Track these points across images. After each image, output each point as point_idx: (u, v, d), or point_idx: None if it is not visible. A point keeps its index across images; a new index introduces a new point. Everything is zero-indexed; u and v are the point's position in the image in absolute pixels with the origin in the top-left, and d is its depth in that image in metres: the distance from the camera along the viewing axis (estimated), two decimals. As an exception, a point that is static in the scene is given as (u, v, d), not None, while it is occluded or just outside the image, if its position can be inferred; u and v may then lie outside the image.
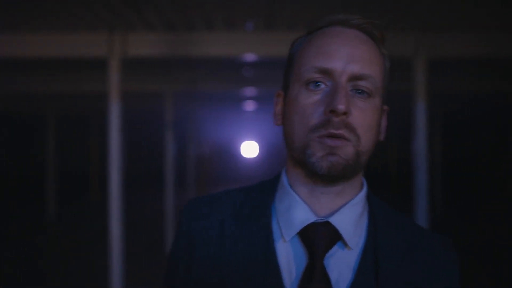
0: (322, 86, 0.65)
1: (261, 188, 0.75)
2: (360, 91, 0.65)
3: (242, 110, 11.99)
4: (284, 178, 0.72)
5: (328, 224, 0.66)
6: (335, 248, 0.67)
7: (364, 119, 0.65)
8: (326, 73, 0.65)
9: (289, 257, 0.67)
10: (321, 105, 0.64)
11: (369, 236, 0.69)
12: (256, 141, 17.67)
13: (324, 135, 0.63)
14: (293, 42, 0.74)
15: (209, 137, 15.34)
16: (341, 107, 0.61)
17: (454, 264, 0.72)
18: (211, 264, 0.69)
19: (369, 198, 0.73)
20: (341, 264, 0.67)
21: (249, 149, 17.87)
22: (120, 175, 4.01)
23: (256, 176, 17.10)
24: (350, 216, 0.68)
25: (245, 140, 17.61)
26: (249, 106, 10.88)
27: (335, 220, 0.67)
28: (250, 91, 7.94)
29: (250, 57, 4.56)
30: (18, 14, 3.63)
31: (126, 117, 4.34)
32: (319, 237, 0.66)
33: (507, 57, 4.20)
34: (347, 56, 0.65)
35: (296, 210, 0.68)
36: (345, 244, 0.67)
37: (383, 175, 12.48)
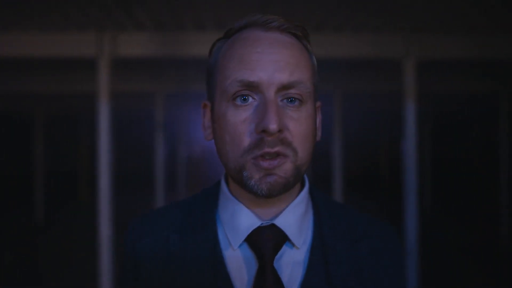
0: (250, 100, 0.61)
1: (203, 198, 0.73)
2: (291, 100, 0.61)
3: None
4: (224, 187, 0.70)
5: (273, 227, 0.66)
6: (283, 249, 0.66)
7: (299, 130, 0.61)
8: (252, 86, 0.60)
9: (239, 264, 0.66)
10: (252, 122, 0.60)
11: (315, 232, 0.69)
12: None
13: (259, 155, 0.60)
14: (211, 47, 0.69)
15: (201, 137, 15.31)
16: (273, 126, 0.57)
17: (398, 248, 0.73)
18: (159, 283, 0.66)
19: (312, 194, 0.72)
20: (291, 264, 0.66)
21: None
22: (110, 176, 3.97)
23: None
24: (294, 216, 0.67)
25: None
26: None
27: (279, 222, 0.66)
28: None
29: None
30: (6, 13, 3.58)
31: (117, 118, 4.30)
32: (266, 240, 0.65)
33: (496, 59, 4.24)
34: (272, 64, 0.60)
35: (240, 217, 0.66)
36: (292, 244, 0.67)
37: (373, 176, 12.55)
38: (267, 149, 0.59)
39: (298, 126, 0.61)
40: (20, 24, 3.87)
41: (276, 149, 0.59)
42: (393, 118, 10.74)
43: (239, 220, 0.67)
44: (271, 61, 0.60)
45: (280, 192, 0.62)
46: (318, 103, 0.71)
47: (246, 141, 0.60)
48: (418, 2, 3.37)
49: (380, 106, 9.38)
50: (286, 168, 0.61)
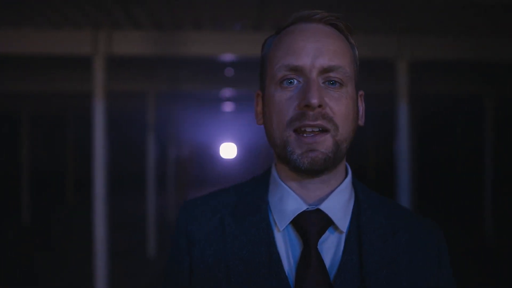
0: (295, 82, 0.67)
1: (253, 184, 0.77)
2: (332, 82, 0.67)
3: (222, 111, 11.97)
4: (274, 173, 0.75)
5: (319, 211, 0.69)
6: (327, 233, 0.70)
7: (339, 108, 0.67)
8: (297, 70, 0.67)
9: (286, 245, 0.70)
10: (295, 101, 0.66)
11: (353, 220, 0.72)
12: (235, 142, 17.66)
13: (300, 126, 0.65)
14: (263, 43, 0.76)
15: (190, 138, 15.24)
16: (314, 101, 0.63)
17: (440, 243, 0.74)
18: (215, 261, 0.70)
19: (354, 184, 0.76)
20: (333, 247, 0.70)
21: (228, 151, 17.84)
22: (105, 175, 3.94)
23: (235, 176, 17.06)
24: (338, 202, 0.70)
25: (224, 141, 17.57)
26: (229, 107, 10.87)
27: (325, 207, 0.69)
28: (230, 92, 7.94)
29: (232, 57, 4.56)
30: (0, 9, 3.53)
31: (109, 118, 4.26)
32: (311, 225, 0.68)
33: (487, 61, 4.34)
34: (314, 51, 0.67)
35: (287, 201, 0.70)
36: (335, 228, 0.70)
37: (362, 177, 12.62)
38: (308, 122, 0.65)
39: (339, 104, 0.67)
40: (13, 21, 3.81)
41: (317, 122, 0.65)
42: (381, 119, 10.88)
43: (286, 203, 0.70)
44: (313, 48, 0.67)
45: (320, 167, 0.66)
46: (361, 92, 0.75)
47: (289, 115, 0.66)
48: (411, 4, 3.43)
49: (370, 107, 9.45)
50: (326, 144, 0.66)
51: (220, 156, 17.84)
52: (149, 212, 6.57)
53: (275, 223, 0.71)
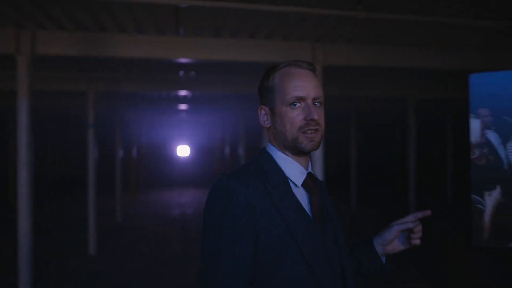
0: (298, 105, 1.15)
1: (263, 161, 1.17)
2: (317, 104, 1.17)
3: (175, 111, 12.00)
4: (279, 152, 1.19)
5: (311, 174, 1.20)
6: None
7: (322, 119, 1.17)
8: (301, 98, 1.15)
9: (302, 196, 1.16)
10: (301, 115, 1.14)
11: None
12: (188, 142, 17.69)
13: (307, 131, 1.13)
14: (268, 74, 1.20)
15: (141, 138, 15.14)
16: (316, 117, 1.14)
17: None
18: (273, 216, 1.07)
19: None
20: (322, 191, 1.22)
21: (182, 150, 17.84)
22: (30, 175, 3.97)
23: (190, 176, 17.09)
24: (312, 168, 1.25)
25: (176, 141, 17.56)
26: (183, 107, 10.92)
27: (312, 171, 1.23)
28: (183, 93, 8.05)
29: (187, 60, 4.68)
30: None
31: (48, 118, 4.27)
32: (310, 182, 1.18)
33: (395, 67, 4.69)
34: (310, 88, 1.16)
35: (297, 170, 1.18)
36: (318, 182, 1.23)
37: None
38: (312, 127, 1.14)
39: (321, 116, 1.18)
40: None
41: (316, 127, 1.15)
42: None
43: (297, 171, 1.18)
44: (309, 86, 1.16)
45: (315, 149, 1.17)
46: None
47: (299, 124, 1.15)
48: (321, 17, 3.68)
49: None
50: (318, 137, 1.17)
51: (174, 156, 17.81)
52: (89, 212, 6.57)
53: (294, 183, 1.16)
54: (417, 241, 1.27)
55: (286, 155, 1.19)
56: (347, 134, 10.92)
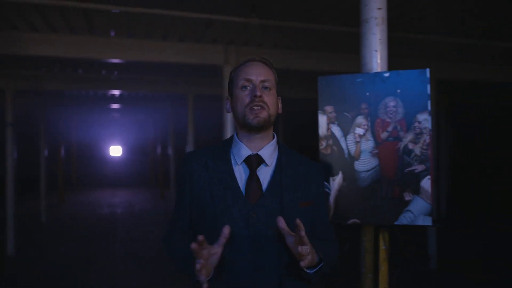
0: (248, 87, 1.34)
1: (223, 143, 1.43)
2: (265, 87, 1.34)
3: (106, 110, 11.82)
4: (235, 136, 1.41)
5: (257, 155, 1.36)
6: (262, 166, 1.36)
7: (269, 99, 1.33)
8: (249, 80, 1.34)
9: (241, 173, 1.35)
10: (249, 95, 1.32)
11: (278, 160, 1.39)
12: (121, 142, 17.40)
13: (252, 107, 1.30)
14: (230, 72, 1.43)
15: (71, 137, 14.71)
16: (258, 93, 1.31)
17: (322, 171, 1.47)
18: (203, 181, 1.36)
19: (278, 143, 1.43)
20: (265, 173, 1.36)
21: (115, 150, 17.52)
22: None
23: (123, 176, 16.78)
24: (267, 150, 1.37)
25: (109, 140, 17.22)
26: (115, 106, 10.80)
27: (260, 153, 1.37)
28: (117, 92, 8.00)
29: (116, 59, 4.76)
30: None
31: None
32: (253, 161, 1.35)
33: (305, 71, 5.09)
34: (258, 72, 1.35)
35: (242, 150, 1.36)
36: (266, 164, 1.37)
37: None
38: (256, 103, 1.31)
39: (269, 98, 1.34)
40: None
41: (260, 103, 1.31)
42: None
43: (241, 151, 1.37)
44: (257, 71, 1.35)
45: (261, 125, 1.32)
46: (279, 98, 1.42)
47: (246, 101, 1.33)
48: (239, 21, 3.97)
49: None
50: (264, 113, 1.32)
51: (107, 155, 17.45)
52: (8, 212, 6.42)
53: (236, 161, 1.37)
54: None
55: (242, 135, 1.37)
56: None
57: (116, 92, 8.01)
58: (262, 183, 1.35)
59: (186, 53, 4.47)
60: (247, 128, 1.34)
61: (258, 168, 1.36)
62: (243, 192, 1.33)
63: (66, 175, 13.28)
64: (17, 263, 5.91)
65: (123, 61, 4.57)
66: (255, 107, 1.30)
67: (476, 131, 12.55)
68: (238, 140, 1.39)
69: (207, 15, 3.72)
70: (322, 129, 2.09)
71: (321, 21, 3.96)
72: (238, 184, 1.34)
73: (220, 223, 1.29)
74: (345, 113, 2.06)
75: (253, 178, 1.34)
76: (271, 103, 1.33)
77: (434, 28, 4.32)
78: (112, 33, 4.31)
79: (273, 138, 1.42)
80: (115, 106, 10.52)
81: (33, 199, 9.92)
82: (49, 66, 6.15)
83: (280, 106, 1.43)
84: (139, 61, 4.53)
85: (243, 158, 1.36)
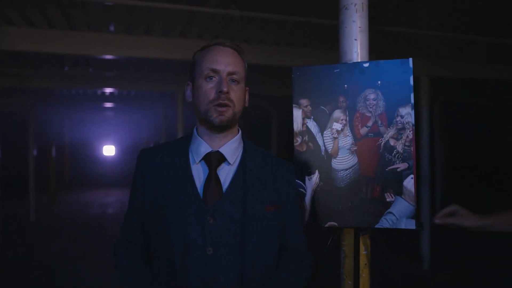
0: (214, 79, 1.18)
1: (182, 138, 1.28)
2: (233, 80, 1.19)
3: (99, 109, 11.67)
4: (195, 131, 1.26)
5: (218, 152, 1.21)
6: (223, 165, 1.22)
7: (236, 95, 1.18)
8: (215, 71, 1.18)
9: (199, 171, 1.20)
10: (214, 88, 1.16)
11: (242, 158, 1.24)
12: (114, 141, 17.26)
13: (217, 104, 1.15)
14: (194, 54, 1.26)
15: (63, 137, 14.55)
16: (225, 89, 1.16)
17: (292, 171, 1.33)
18: (157, 180, 1.20)
19: (243, 139, 1.29)
20: (226, 172, 1.21)
21: (107, 150, 17.37)
22: None
23: (117, 176, 16.61)
24: (230, 147, 1.23)
25: (103, 140, 17.07)
26: (108, 105, 10.64)
27: (222, 150, 1.22)
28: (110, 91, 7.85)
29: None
30: None
31: None
32: (213, 159, 1.20)
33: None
34: (226, 62, 1.18)
35: (201, 146, 1.22)
36: (229, 163, 1.22)
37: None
38: (221, 101, 1.16)
39: (236, 93, 1.19)
40: None
41: (226, 101, 1.16)
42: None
43: (200, 148, 1.22)
44: (225, 61, 1.18)
45: (225, 125, 1.18)
46: (247, 88, 1.28)
47: (211, 97, 1.17)
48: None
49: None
50: (229, 113, 1.17)
51: (100, 155, 17.30)
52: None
53: (194, 159, 1.22)
54: None
55: (202, 130, 1.22)
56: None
57: (107, 90, 7.85)
58: (222, 183, 1.19)
59: (170, 49, 4.33)
60: (208, 125, 1.20)
61: (220, 167, 1.20)
62: (201, 194, 1.17)
63: (58, 175, 13.11)
64: (3, 262, 5.77)
65: (102, 56, 4.41)
66: (220, 107, 1.16)
67: (472, 130, 12.45)
68: (197, 135, 1.24)
69: (189, 7, 3.58)
70: (297, 125, 1.89)
71: (305, 15, 3.82)
72: (195, 185, 1.18)
73: (173, 229, 1.14)
74: (322, 107, 1.88)
75: (211, 178, 1.18)
76: (237, 99, 1.19)
77: (426, 23, 4.19)
78: (93, 28, 4.17)
79: (237, 133, 1.27)
80: (107, 105, 10.36)
81: (23, 199, 9.75)
82: (37, 64, 6.00)
83: (247, 98, 1.27)
84: (121, 57, 4.39)
85: (202, 156, 1.20)
